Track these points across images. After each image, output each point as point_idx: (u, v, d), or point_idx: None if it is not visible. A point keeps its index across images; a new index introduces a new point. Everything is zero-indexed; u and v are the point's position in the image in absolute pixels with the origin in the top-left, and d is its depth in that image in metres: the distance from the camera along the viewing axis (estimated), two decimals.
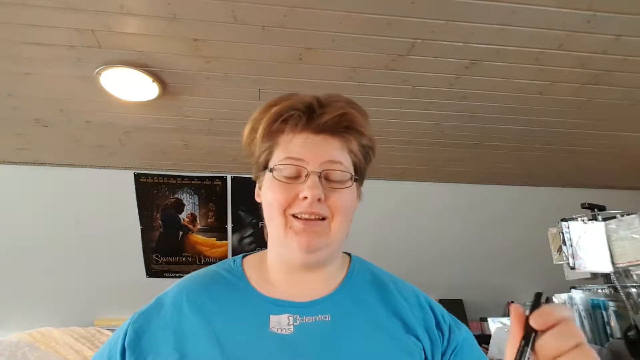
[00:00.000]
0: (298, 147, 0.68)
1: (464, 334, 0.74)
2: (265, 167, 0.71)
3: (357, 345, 0.66)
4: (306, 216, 0.66)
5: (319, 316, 0.69)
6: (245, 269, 0.76)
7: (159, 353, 0.66)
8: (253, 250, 0.81)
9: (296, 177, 0.68)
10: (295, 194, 0.66)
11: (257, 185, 0.76)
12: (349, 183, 0.69)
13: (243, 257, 0.79)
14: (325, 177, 0.68)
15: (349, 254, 0.81)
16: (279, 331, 0.67)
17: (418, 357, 0.68)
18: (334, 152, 0.69)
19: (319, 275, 0.72)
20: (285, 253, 0.70)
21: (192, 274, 0.77)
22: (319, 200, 0.66)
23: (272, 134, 0.70)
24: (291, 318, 0.68)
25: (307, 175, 0.66)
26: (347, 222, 0.71)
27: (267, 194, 0.70)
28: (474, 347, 0.74)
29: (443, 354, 0.70)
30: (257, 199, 0.75)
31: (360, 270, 0.78)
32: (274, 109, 0.69)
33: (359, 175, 0.73)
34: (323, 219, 0.67)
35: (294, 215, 0.67)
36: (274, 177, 0.68)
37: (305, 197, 0.65)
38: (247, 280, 0.74)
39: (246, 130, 0.74)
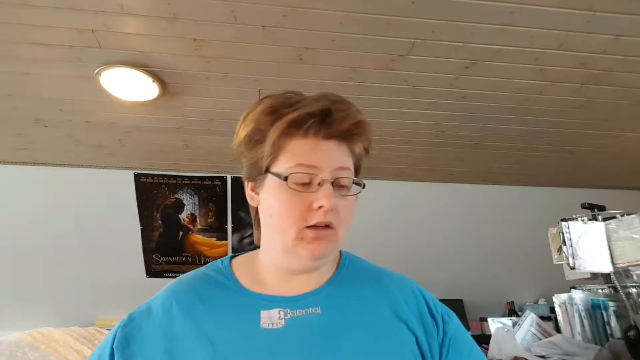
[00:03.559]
0: (310, 154, 0.66)
1: (455, 323, 0.75)
2: (267, 171, 0.69)
3: (348, 336, 0.67)
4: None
5: (310, 309, 0.69)
6: (234, 270, 0.76)
7: (147, 355, 0.66)
8: (243, 253, 0.81)
9: (307, 185, 0.66)
10: (309, 204, 0.65)
11: (247, 186, 0.74)
12: (355, 189, 0.70)
13: (231, 258, 0.79)
14: (335, 184, 0.67)
15: (340, 251, 0.81)
16: (270, 326, 0.67)
17: (410, 346, 0.68)
18: (343, 158, 0.69)
19: (312, 274, 0.73)
20: (290, 261, 0.69)
21: (181, 276, 0.77)
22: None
23: (277, 138, 0.68)
24: (282, 312, 0.68)
25: (319, 183, 0.65)
26: (348, 227, 0.72)
27: (274, 203, 0.67)
28: (466, 336, 0.75)
29: (441, 345, 0.71)
30: (251, 202, 0.74)
31: (350, 264, 0.78)
32: (288, 116, 0.66)
33: (357, 175, 0.73)
34: (332, 227, 0.67)
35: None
36: (288, 186, 0.66)
37: (321, 207, 0.64)
38: (236, 280, 0.74)
39: (246, 131, 0.71)
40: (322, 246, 0.66)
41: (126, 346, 0.68)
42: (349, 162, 0.69)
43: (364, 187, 0.70)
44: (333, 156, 0.67)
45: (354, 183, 0.70)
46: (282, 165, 0.67)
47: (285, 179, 0.66)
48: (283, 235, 0.67)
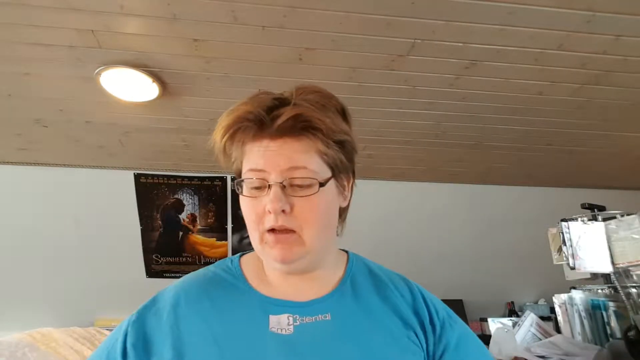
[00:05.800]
0: (258, 157, 0.65)
1: (458, 331, 0.73)
2: (239, 174, 0.70)
3: (358, 344, 0.66)
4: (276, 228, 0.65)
5: (319, 316, 0.68)
6: (244, 269, 0.75)
7: (159, 353, 0.66)
8: (252, 251, 0.80)
9: (261, 188, 0.66)
10: (263, 207, 0.65)
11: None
12: (315, 189, 0.65)
13: (240, 256, 0.78)
14: (290, 185, 0.65)
15: (346, 251, 0.80)
16: (279, 331, 0.66)
17: (418, 353, 0.68)
18: (295, 157, 0.64)
19: (314, 277, 0.72)
20: (268, 262, 0.70)
21: (190, 275, 0.76)
22: (283, 212, 0.64)
23: (235, 144, 0.68)
24: (291, 318, 0.67)
25: (269, 187, 0.64)
26: (325, 228, 0.68)
27: (242, 207, 0.70)
28: (470, 343, 0.73)
29: (433, 353, 0.70)
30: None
31: (358, 268, 0.77)
32: (222, 122, 0.68)
33: (338, 171, 0.69)
34: (293, 231, 0.65)
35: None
36: (241, 194, 0.68)
37: (270, 211, 0.64)
38: (245, 281, 0.73)
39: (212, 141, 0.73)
40: (285, 251, 0.65)
41: (144, 343, 0.67)
42: (305, 160, 0.65)
43: (322, 186, 0.65)
44: (282, 156, 0.64)
45: (319, 183, 0.65)
46: (243, 170, 0.68)
47: (238, 188, 0.68)
48: (252, 238, 0.69)
